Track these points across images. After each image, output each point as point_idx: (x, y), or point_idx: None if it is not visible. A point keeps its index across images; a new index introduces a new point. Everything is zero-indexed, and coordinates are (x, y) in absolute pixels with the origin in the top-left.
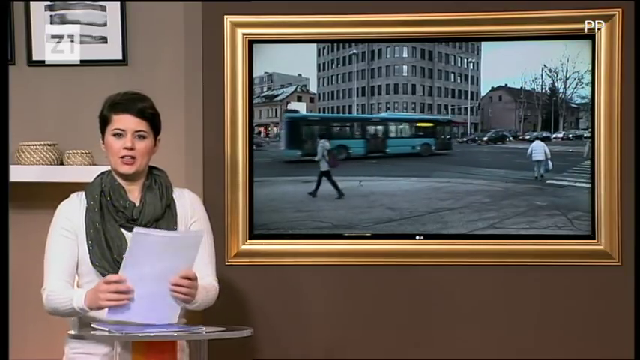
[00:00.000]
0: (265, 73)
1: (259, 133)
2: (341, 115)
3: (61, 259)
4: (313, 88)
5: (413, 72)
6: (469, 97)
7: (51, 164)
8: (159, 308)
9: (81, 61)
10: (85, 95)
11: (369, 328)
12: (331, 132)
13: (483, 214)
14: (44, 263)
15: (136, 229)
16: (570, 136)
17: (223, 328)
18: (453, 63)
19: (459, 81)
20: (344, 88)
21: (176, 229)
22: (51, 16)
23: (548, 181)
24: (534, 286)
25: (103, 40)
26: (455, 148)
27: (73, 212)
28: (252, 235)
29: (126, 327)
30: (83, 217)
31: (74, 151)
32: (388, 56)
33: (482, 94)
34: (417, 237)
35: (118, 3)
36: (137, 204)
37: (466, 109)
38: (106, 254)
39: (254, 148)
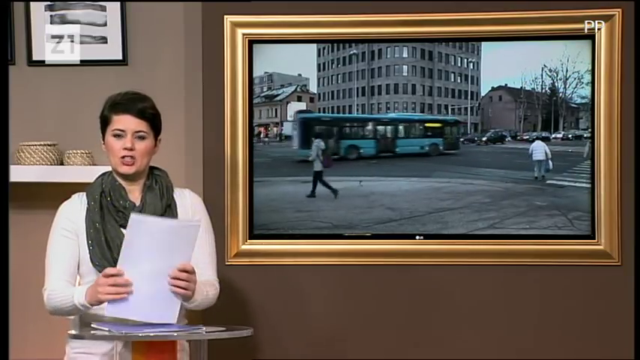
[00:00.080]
0: (265, 73)
1: (259, 133)
2: (354, 115)
3: (61, 259)
4: (313, 88)
5: (413, 72)
6: (469, 97)
7: (51, 164)
8: (158, 306)
9: (81, 61)
10: (85, 95)
11: (369, 328)
12: (342, 132)
13: (483, 214)
14: (45, 263)
15: (133, 216)
16: (570, 136)
17: (223, 328)
18: (453, 63)
19: (459, 81)
20: (344, 88)
21: None
22: (51, 16)
23: (548, 181)
24: (534, 286)
25: (103, 40)
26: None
27: (73, 212)
28: (252, 235)
29: (126, 327)
30: (84, 218)
31: (74, 151)
32: (388, 56)
33: (483, 94)
34: (417, 237)
35: (118, 3)
36: (137, 204)
37: (466, 109)
38: (106, 254)
39: (256, 146)
